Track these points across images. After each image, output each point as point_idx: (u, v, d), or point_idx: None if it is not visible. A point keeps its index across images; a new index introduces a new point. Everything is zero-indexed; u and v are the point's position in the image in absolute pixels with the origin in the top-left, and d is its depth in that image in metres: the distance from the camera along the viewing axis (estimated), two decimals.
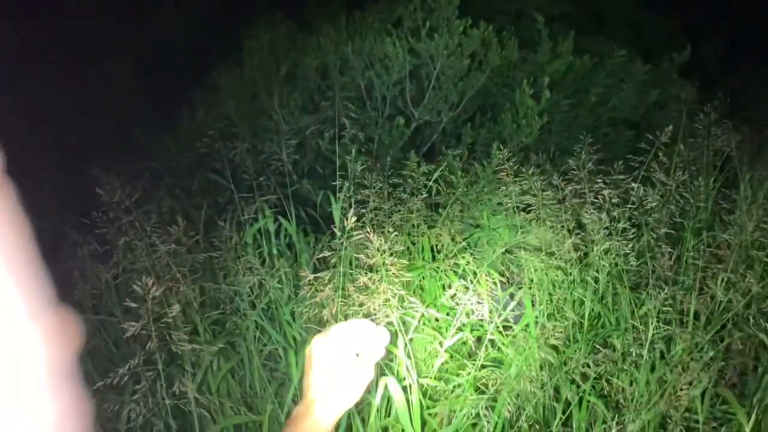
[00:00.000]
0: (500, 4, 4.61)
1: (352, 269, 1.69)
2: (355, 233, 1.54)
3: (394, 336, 1.61)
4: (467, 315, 1.62)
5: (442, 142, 3.94)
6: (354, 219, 1.53)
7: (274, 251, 2.56)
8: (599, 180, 2.20)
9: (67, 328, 0.39)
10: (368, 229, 1.52)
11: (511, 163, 2.10)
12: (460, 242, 2.68)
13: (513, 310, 1.95)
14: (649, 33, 4.58)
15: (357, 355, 0.92)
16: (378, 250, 1.50)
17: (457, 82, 3.70)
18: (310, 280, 1.60)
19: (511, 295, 1.99)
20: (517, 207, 2.17)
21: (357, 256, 1.63)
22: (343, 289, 1.62)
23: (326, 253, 1.70)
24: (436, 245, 2.69)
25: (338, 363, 0.90)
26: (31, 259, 0.38)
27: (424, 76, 3.72)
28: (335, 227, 2.59)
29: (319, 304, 1.60)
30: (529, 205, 2.26)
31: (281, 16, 3.55)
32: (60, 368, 0.38)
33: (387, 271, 1.52)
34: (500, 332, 1.99)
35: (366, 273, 1.56)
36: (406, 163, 2.69)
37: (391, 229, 1.68)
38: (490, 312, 1.61)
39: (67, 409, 0.38)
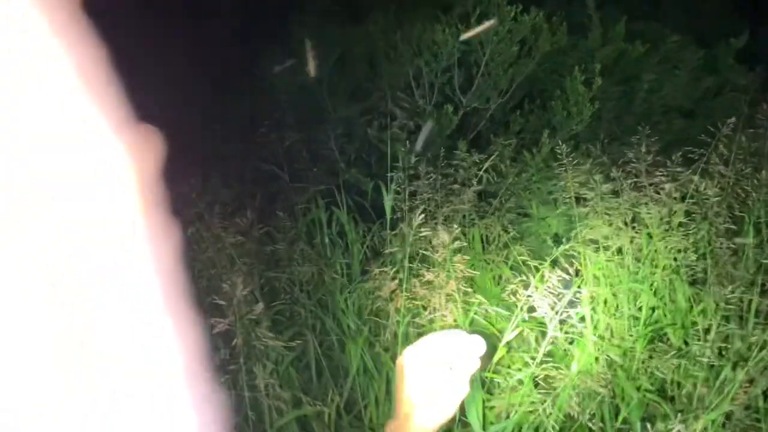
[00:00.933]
0: None
1: (412, 263, 1.70)
2: (423, 229, 1.55)
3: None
4: (528, 311, 1.62)
5: (489, 130, 3.91)
6: (422, 216, 1.54)
7: (326, 240, 2.60)
8: (658, 173, 2.16)
9: (149, 142, 0.38)
10: (437, 226, 1.53)
11: (565, 155, 2.07)
12: (511, 232, 2.67)
13: (571, 305, 1.94)
14: (704, 16, 4.45)
15: (450, 368, 0.87)
16: (444, 246, 1.51)
17: (506, 69, 3.66)
18: (375, 274, 1.62)
19: (568, 288, 1.98)
20: (573, 198, 2.15)
21: (423, 251, 1.64)
22: (406, 282, 1.64)
23: (392, 249, 1.71)
24: (486, 236, 2.69)
25: (431, 377, 0.86)
26: (106, 74, 0.36)
27: (473, 62, 3.69)
28: (387, 217, 2.61)
29: (384, 298, 1.62)
30: (584, 198, 2.24)
31: (330, 2, 3.56)
32: (148, 184, 0.37)
33: (453, 267, 1.53)
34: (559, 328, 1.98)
35: (428, 267, 1.57)
36: (454, 152, 2.69)
37: (455, 225, 1.68)
38: (551, 308, 1.60)
39: (159, 227, 0.37)
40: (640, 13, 4.40)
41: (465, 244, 1.80)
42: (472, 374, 0.89)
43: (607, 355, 1.66)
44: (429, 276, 1.54)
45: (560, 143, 2.06)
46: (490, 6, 3.55)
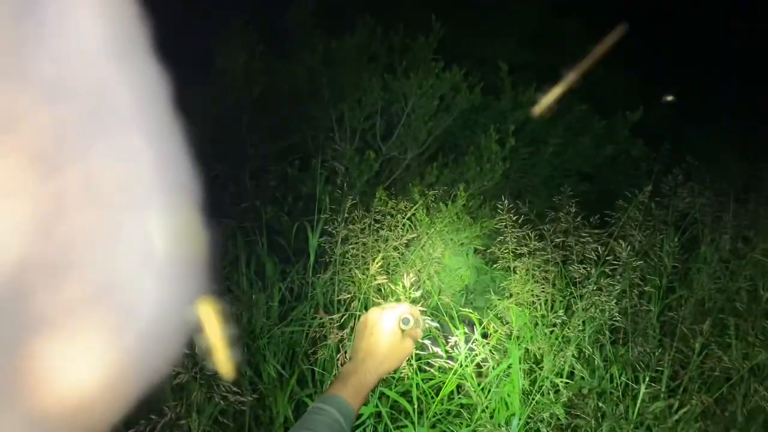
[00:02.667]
0: (467, 49, 4.71)
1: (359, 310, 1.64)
2: (378, 278, 1.51)
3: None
4: (470, 361, 1.61)
5: (404, 178, 3.96)
6: (379, 264, 1.50)
7: (244, 281, 2.49)
8: (582, 233, 2.25)
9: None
10: (401, 271, 1.50)
11: (506, 210, 2.12)
12: (429, 280, 2.68)
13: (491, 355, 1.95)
14: (606, 88, 4.79)
15: (403, 330, 1.08)
16: (405, 293, 1.47)
17: (426, 122, 3.74)
18: (322, 322, 1.54)
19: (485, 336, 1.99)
20: (511, 253, 2.19)
21: (377, 299, 1.59)
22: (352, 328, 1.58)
23: (345, 296, 1.65)
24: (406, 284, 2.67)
25: (387, 333, 1.06)
26: None
27: (394, 112, 3.75)
28: (310, 260, 2.54)
29: (329, 347, 1.54)
30: (515, 252, 2.28)
31: (256, 38, 3.50)
32: None
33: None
34: (472, 377, 1.99)
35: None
36: (380, 198, 2.69)
37: (413, 275, 1.65)
38: (472, 356, 1.60)
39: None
40: (548, 80, 4.66)
41: (422, 292, 1.77)
42: (416, 339, 1.12)
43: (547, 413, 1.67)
44: None
45: (505, 200, 2.10)
46: (416, 60, 3.64)
